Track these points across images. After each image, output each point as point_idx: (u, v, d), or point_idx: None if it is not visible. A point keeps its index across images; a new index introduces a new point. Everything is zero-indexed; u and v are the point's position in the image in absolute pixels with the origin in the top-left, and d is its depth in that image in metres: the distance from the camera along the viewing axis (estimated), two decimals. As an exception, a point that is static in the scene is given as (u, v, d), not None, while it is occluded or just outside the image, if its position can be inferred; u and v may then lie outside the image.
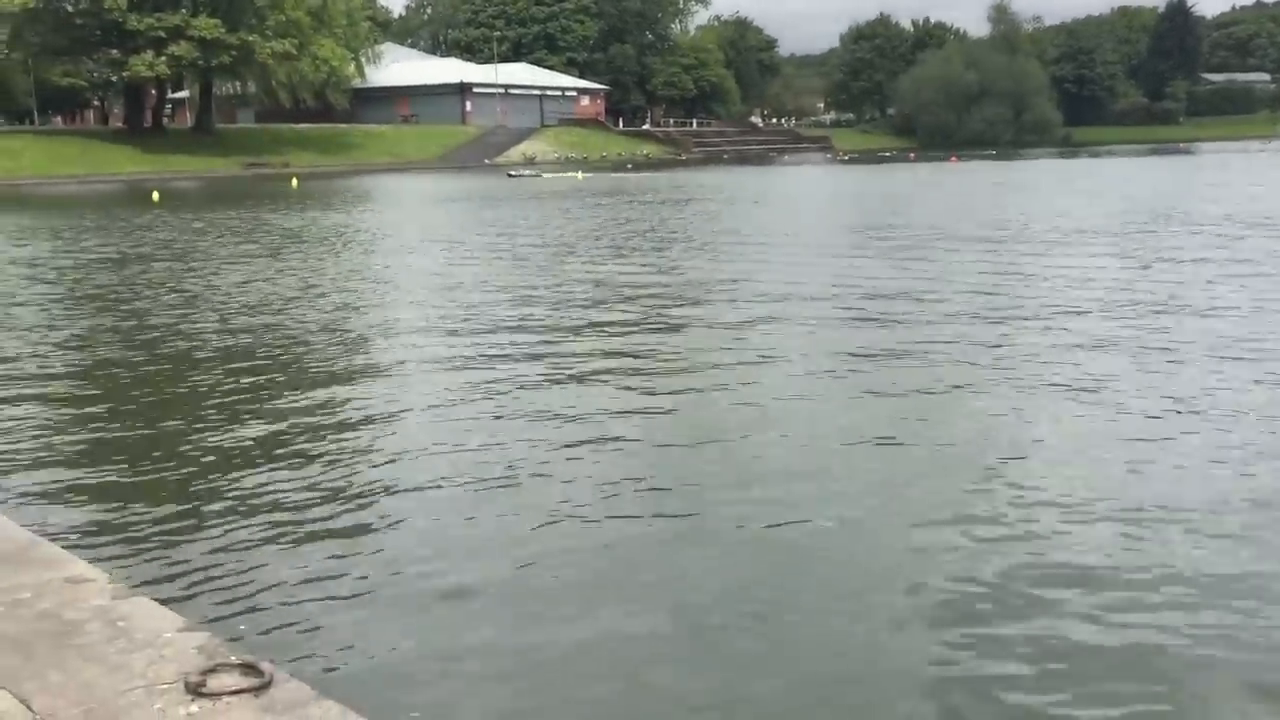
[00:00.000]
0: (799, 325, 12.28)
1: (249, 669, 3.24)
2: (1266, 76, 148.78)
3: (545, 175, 59.23)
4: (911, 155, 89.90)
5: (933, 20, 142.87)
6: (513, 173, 60.09)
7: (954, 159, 74.78)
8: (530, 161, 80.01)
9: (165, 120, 78.92)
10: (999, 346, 10.75)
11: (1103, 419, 8.07)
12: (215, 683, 3.16)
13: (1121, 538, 5.83)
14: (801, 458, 7.35)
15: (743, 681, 4.48)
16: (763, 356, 10.52)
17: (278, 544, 5.96)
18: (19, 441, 8.00)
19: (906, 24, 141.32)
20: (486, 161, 78.90)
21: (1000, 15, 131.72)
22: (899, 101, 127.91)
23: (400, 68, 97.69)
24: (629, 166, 74.65)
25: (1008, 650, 4.65)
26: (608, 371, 10.07)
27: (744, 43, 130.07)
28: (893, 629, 4.89)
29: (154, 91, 75.06)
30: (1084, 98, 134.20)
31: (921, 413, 8.38)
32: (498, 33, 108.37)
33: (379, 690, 4.36)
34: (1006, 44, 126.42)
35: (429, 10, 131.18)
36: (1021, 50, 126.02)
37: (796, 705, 4.33)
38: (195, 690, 3.12)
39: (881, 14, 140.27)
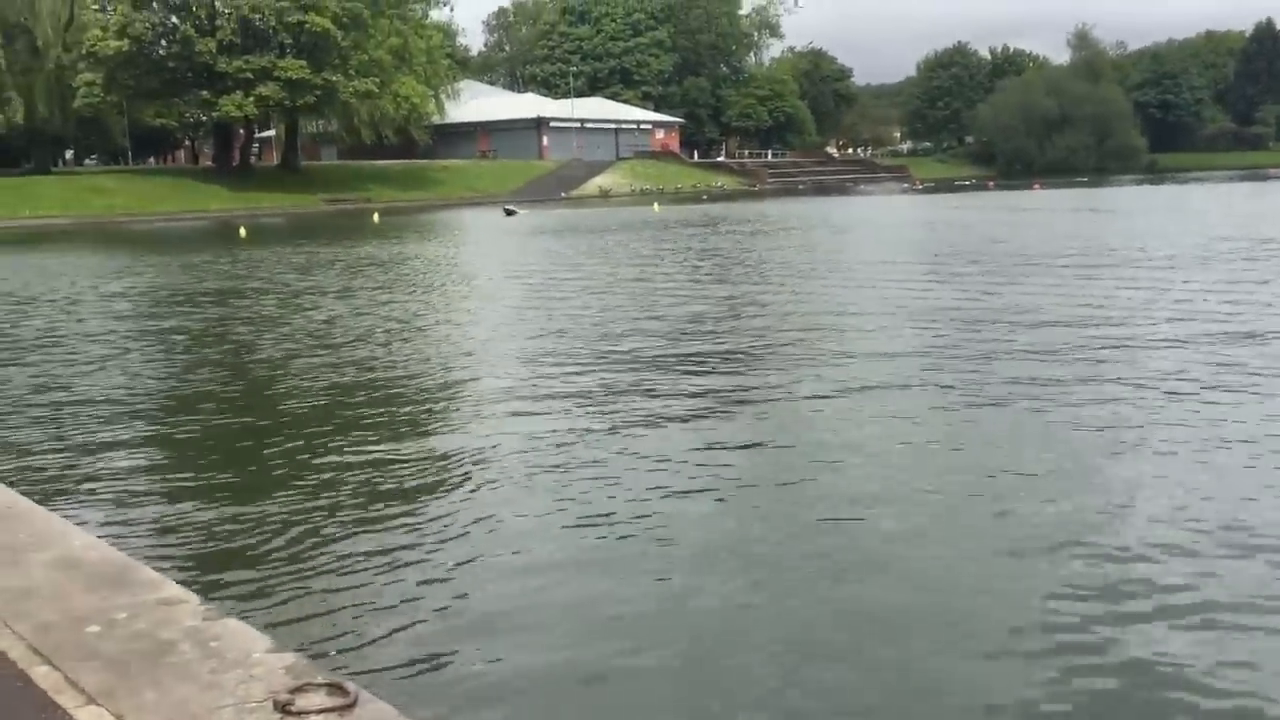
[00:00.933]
0: (914, 356, 12.08)
1: (335, 689, 3.31)
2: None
3: (611, 202, 59.40)
4: (990, 184, 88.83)
5: (1011, 48, 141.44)
6: (510, 208, 54.55)
7: (1037, 186, 73.69)
8: (605, 194, 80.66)
9: (252, 159, 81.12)
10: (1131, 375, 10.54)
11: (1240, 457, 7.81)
12: (303, 701, 3.23)
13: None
14: (906, 485, 7.29)
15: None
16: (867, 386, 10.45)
17: (365, 571, 6.07)
18: (119, 471, 8.27)
19: (984, 52, 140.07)
20: (563, 195, 79.72)
21: (1082, 41, 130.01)
22: (977, 130, 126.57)
23: (479, 103, 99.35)
24: (704, 198, 74.84)
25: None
26: (721, 404, 10.02)
27: (819, 73, 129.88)
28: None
29: (241, 131, 77.24)
30: (1169, 123, 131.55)
31: (1062, 449, 8.16)
32: (574, 68, 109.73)
33: (461, 713, 4.43)
34: (1089, 70, 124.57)
35: (507, 47, 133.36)
36: (1105, 76, 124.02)
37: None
38: (283, 709, 3.19)
39: (958, 42, 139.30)
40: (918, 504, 6.91)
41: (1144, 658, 4.74)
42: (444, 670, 4.82)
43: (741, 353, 12.61)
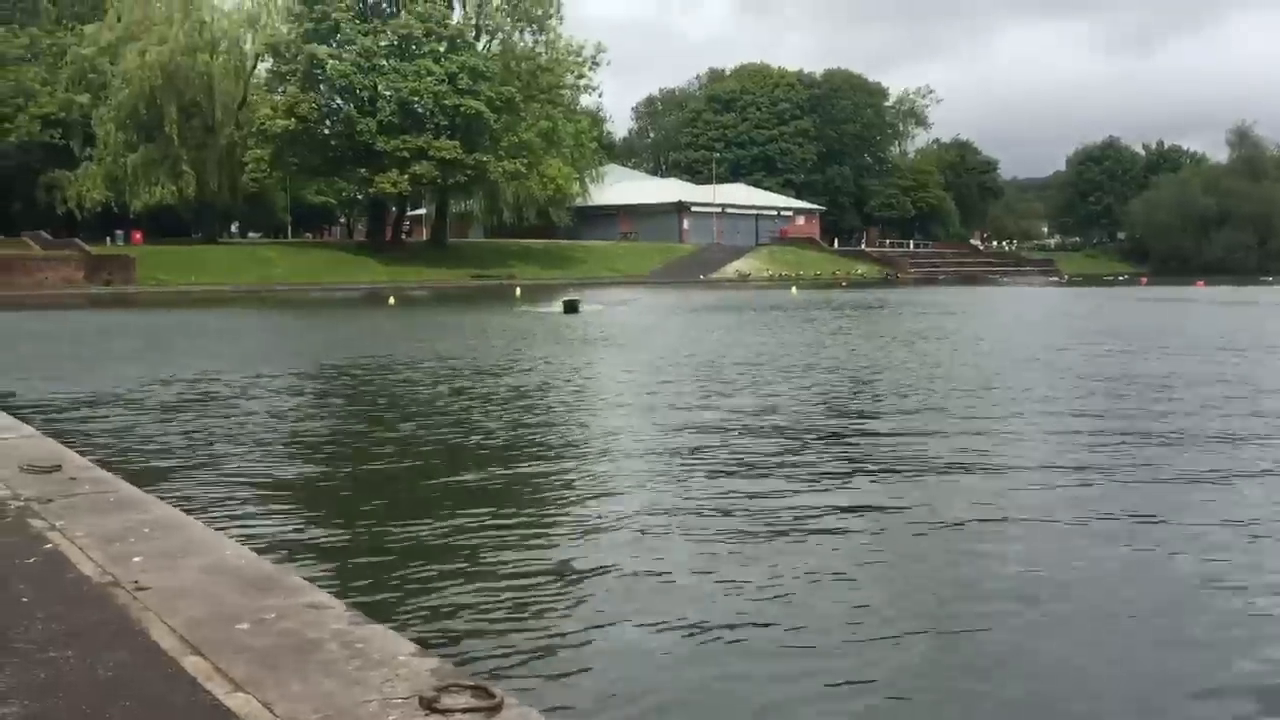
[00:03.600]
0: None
1: (481, 691, 3.21)
2: None
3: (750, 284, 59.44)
4: (1143, 280, 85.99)
5: (1166, 144, 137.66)
6: (571, 300, 37.19)
7: (1200, 284, 70.91)
8: (743, 278, 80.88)
9: (404, 235, 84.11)
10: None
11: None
12: (449, 700, 3.13)
13: None
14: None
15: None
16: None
17: (509, 589, 6.31)
18: (274, 495, 8.61)
19: (1137, 148, 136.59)
20: (701, 277, 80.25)
21: (1242, 139, 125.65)
22: (1129, 226, 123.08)
23: (622, 187, 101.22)
24: (843, 285, 74.40)
25: None
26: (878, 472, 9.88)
27: (964, 165, 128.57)
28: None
29: (394, 209, 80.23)
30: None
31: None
32: (717, 154, 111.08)
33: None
34: (1249, 168, 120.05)
35: (652, 134, 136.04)
36: (1267, 175, 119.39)
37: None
38: (429, 706, 3.10)
39: (1110, 136, 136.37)
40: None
41: None
42: (585, 680, 4.96)
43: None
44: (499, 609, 5.89)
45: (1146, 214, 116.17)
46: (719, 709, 4.76)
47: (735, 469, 9.74)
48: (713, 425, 12.20)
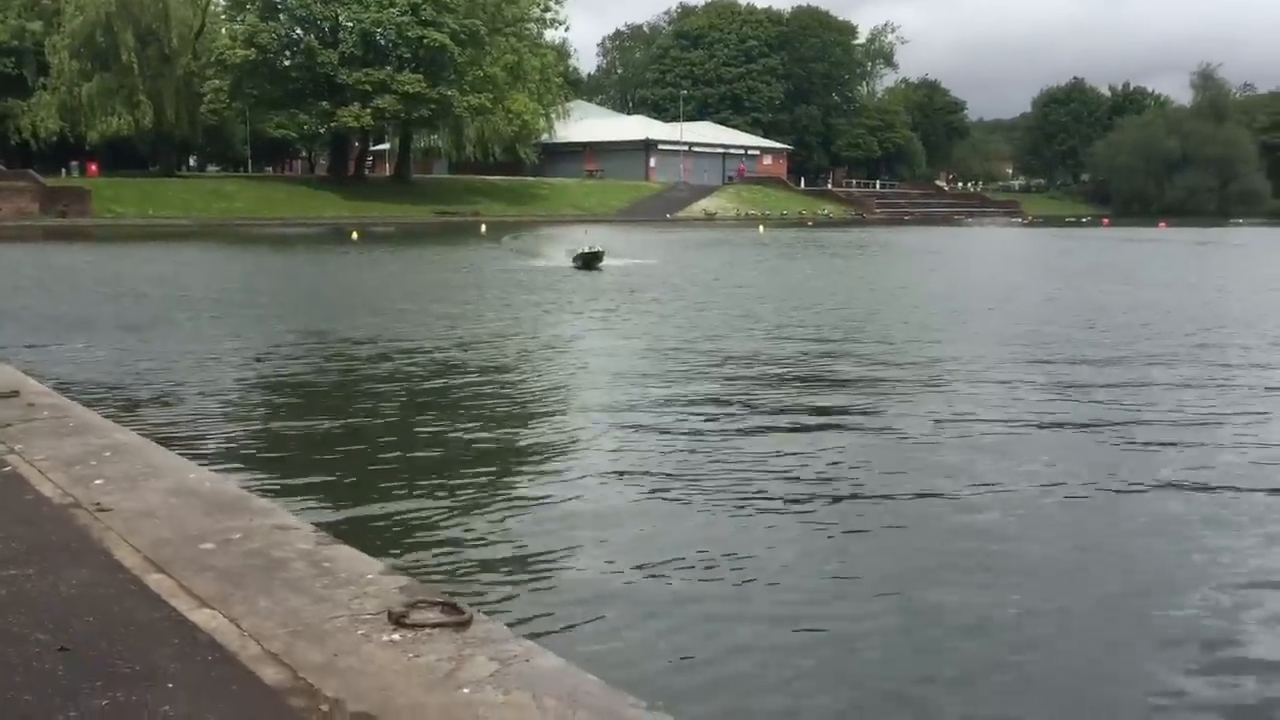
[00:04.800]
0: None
1: (449, 607, 3.20)
2: None
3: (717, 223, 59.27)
4: (1105, 221, 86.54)
5: (1132, 85, 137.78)
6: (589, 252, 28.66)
7: (1163, 225, 71.43)
8: (710, 217, 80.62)
9: (366, 171, 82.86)
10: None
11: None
12: (417, 616, 3.13)
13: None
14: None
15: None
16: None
17: (482, 513, 6.41)
18: (234, 416, 8.76)
19: (1104, 90, 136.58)
20: (668, 216, 79.86)
21: (1206, 81, 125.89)
22: (1093, 168, 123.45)
23: (588, 124, 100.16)
24: (809, 224, 74.36)
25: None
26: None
27: (931, 105, 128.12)
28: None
29: (357, 143, 78.95)
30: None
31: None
32: (684, 92, 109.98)
33: (571, 637, 4.57)
34: (1213, 111, 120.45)
35: (619, 70, 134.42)
36: (1229, 118, 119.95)
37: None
38: (398, 621, 3.09)
39: (1076, 78, 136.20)
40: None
41: None
42: (550, 598, 5.09)
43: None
44: (470, 533, 5.94)
45: (1110, 156, 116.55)
46: (671, 626, 4.88)
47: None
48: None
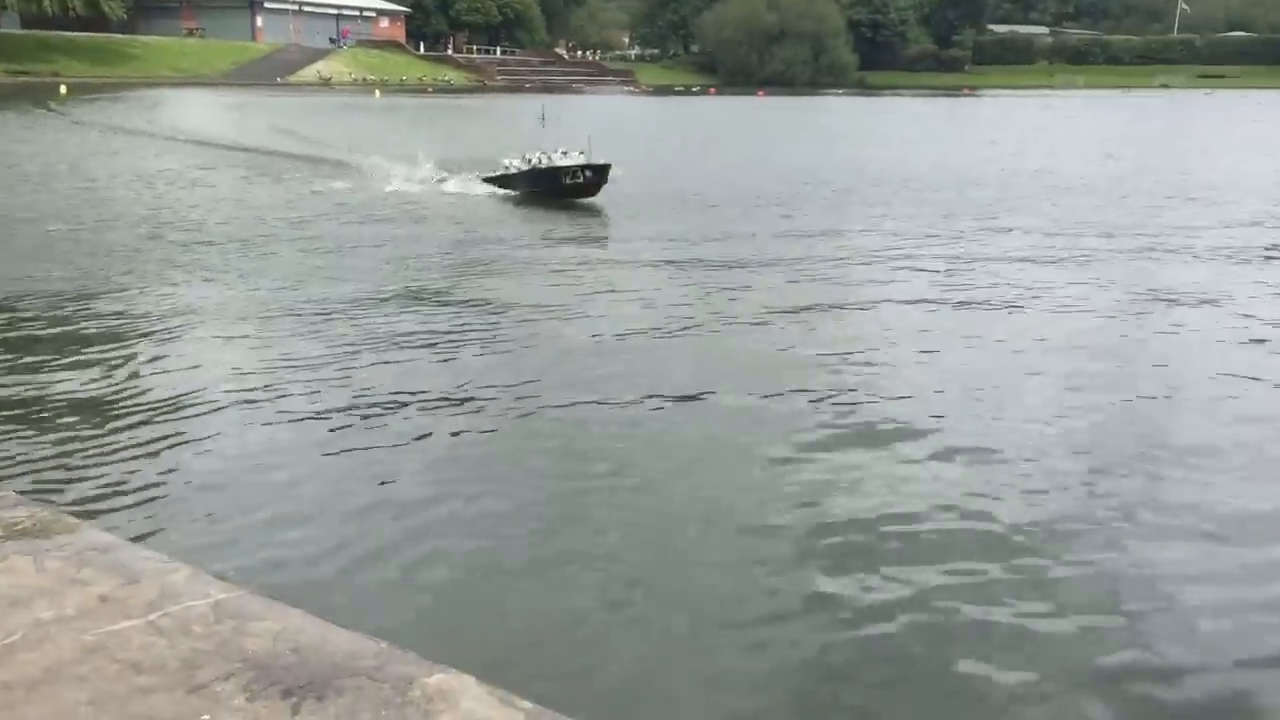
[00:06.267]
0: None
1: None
2: (1045, 30, 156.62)
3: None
4: (711, 91, 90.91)
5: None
6: None
7: (761, 94, 75.94)
8: (326, 82, 77.07)
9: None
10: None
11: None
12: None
13: None
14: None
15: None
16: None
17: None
18: None
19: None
20: (279, 80, 75.47)
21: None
22: (702, 39, 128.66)
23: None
24: (429, 90, 72.86)
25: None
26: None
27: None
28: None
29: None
30: (878, 43, 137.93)
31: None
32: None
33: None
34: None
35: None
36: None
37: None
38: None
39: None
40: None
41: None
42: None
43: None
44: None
45: (717, 29, 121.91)
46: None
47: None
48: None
